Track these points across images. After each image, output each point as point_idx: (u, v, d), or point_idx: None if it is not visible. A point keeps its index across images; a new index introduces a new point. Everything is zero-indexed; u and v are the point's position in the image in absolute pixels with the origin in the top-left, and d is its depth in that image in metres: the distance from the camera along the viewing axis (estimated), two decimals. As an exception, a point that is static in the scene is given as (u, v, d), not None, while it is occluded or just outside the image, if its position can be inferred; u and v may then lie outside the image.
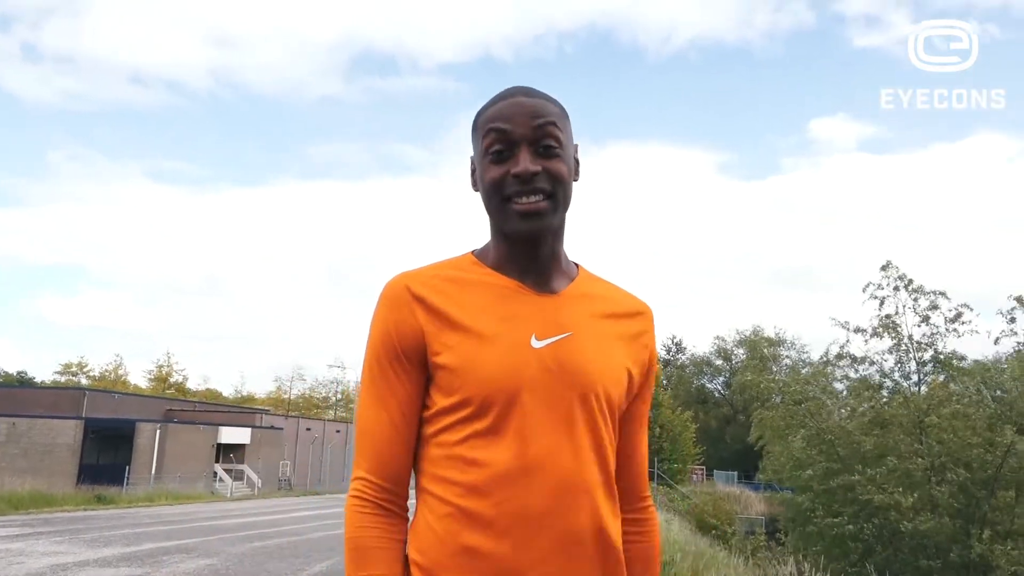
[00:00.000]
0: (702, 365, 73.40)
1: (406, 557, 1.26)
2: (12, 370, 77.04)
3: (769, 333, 66.97)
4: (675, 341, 77.81)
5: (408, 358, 1.27)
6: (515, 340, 1.25)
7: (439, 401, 1.26)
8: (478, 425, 1.22)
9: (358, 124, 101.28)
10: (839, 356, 20.77)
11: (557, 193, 1.26)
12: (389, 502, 1.27)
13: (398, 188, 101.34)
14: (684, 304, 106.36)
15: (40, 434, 37.67)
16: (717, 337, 72.80)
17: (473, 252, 1.37)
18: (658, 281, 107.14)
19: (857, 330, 20.25)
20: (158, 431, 37.60)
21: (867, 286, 19.86)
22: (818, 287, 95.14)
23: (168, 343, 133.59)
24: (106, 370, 72.66)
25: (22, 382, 68.43)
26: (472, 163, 1.36)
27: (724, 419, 68.75)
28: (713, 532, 26.04)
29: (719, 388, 73.05)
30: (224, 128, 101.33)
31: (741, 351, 68.56)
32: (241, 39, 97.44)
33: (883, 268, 19.73)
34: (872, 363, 20.38)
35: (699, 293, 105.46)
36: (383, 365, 1.28)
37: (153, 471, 35.66)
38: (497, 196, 1.26)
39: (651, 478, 40.54)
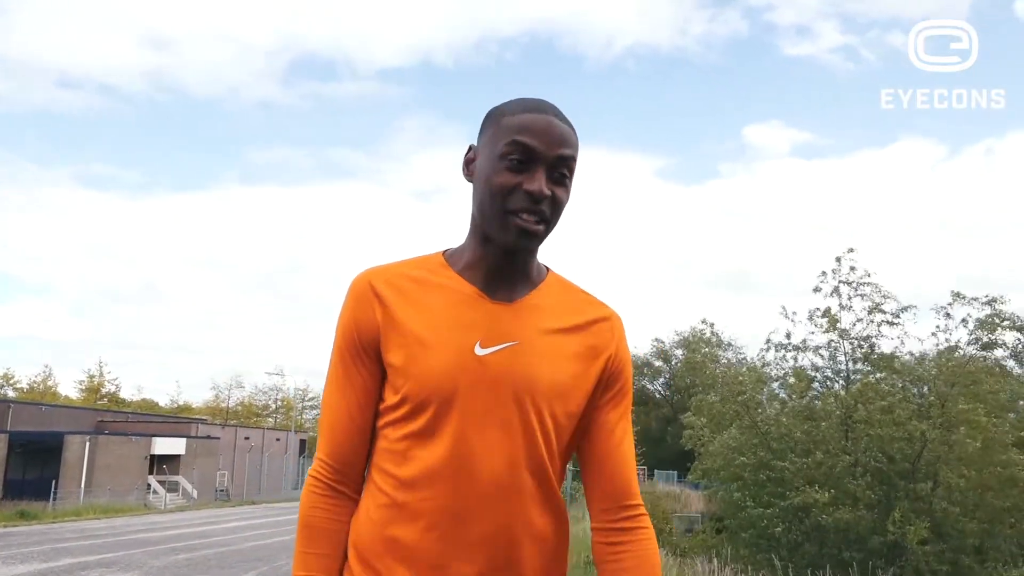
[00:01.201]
0: (642, 367, 74.33)
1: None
2: (-67, 383, 73.93)
3: (707, 334, 68.29)
4: (617, 343, 78.77)
5: (366, 352, 1.33)
6: (459, 346, 1.29)
7: (387, 397, 1.32)
8: (415, 424, 1.28)
9: (298, 129, 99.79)
10: (778, 346, 21.14)
11: (552, 221, 1.30)
12: (341, 484, 1.35)
13: (339, 193, 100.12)
14: (625, 308, 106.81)
15: (-39, 449, 36.21)
16: (656, 339, 73.75)
17: (444, 252, 1.40)
18: (598, 285, 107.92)
19: (796, 319, 20.61)
20: (88, 443, 36.45)
21: (821, 274, 20.12)
22: (755, 290, 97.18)
23: (102, 352, 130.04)
24: (34, 381, 70.15)
25: (-57, 395, 65.64)
26: (472, 151, 1.37)
27: (664, 420, 69.62)
28: (649, 531, 26.50)
29: (659, 389, 74.08)
30: (160, 132, 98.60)
31: (680, 352, 69.68)
32: (177, 41, 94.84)
33: (837, 259, 20.10)
34: (811, 351, 20.78)
35: (639, 297, 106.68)
36: (344, 356, 1.34)
37: (83, 485, 34.55)
38: (500, 204, 1.28)
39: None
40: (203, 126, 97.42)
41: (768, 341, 21.56)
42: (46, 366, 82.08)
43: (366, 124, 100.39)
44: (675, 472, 59.40)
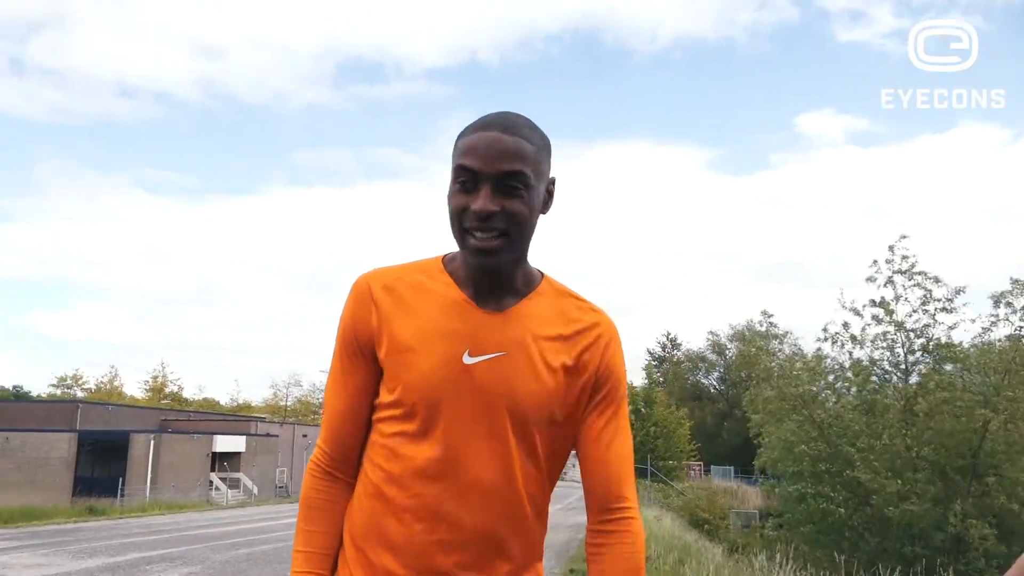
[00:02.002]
0: (696, 361, 73.47)
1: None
2: (8, 384, 76.94)
3: (762, 327, 67.17)
4: (669, 338, 77.93)
5: (363, 351, 1.40)
6: (448, 354, 1.34)
7: (382, 395, 1.40)
8: (406, 425, 1.36)
9: (346, 131, 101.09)
10: (835, 336, 20.70)
11: (511, 232, 1.32)
12: (338, 470, 1.45)
13: (387, 193, 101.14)
14: (677, 301, 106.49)
15: (34, 448, 37.56)
16: (711, 332, 72.82)
17: (444, 257, 1.44)
18: (650, 279, 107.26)
19: (852, 307, 20.18)
20: (152, 441, 37.54)
21: (873, 263, 19.73)
22: (809, 281, 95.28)
23: (163, 353, 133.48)
24: (101, 382, 72.51)
25: (17, 396, 68.24)
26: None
27: (720, 415, 68.80)
28: (705, 527, 26.16)
29: (714, 383, 73.16)
30: (213, 138, 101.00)
31: (734, 345, 68.67)
32: (228, 49, 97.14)
33: (890, 248, 19.65)
34: (868, 343, 20.31)
35: (691, 289, 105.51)
36: (343, 354, 1.42)
37: (148, 482, 35.59)
38: (457, 225, 1.33)
39: (644, 476, 40.63)
40: (253, 131, 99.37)
41: (825, 330, 21.11)
42: (112, 367, 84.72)
43: (413, 124, 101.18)
44: (732, 467, 58.70)
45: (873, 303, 19.81)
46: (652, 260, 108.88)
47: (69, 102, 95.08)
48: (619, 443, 1.42)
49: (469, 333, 1.35)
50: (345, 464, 1.45)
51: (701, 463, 54.70)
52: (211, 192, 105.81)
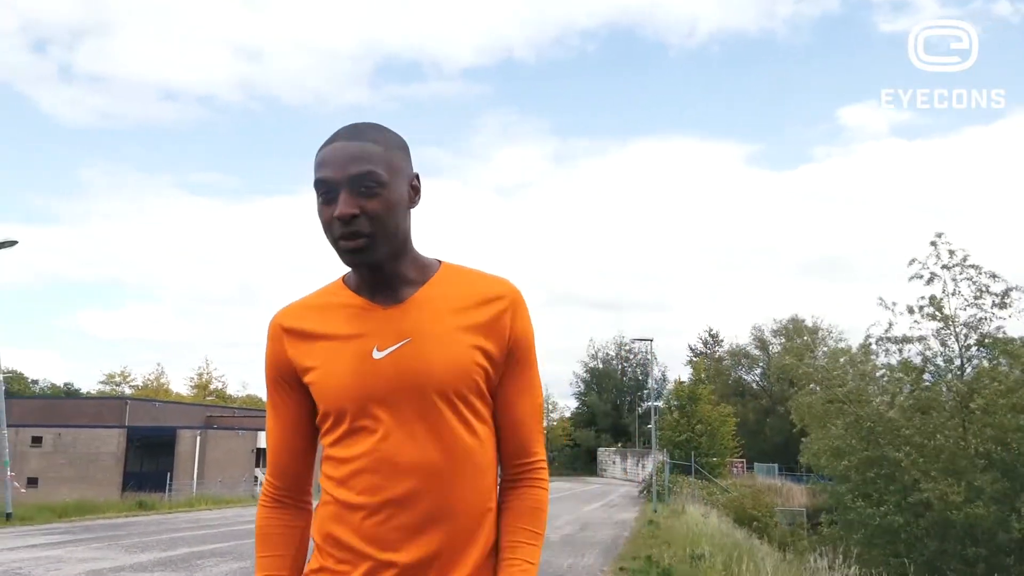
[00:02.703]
0: (739, 356, 72.55)
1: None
2: (59, 382, 78.87)
3: (807, 322, 66.01)
4: (711, 333, 77.10)
5: (287, 382, 1.50)
6: (358, 354, 1.42)
7: (319, 415, 1.48)
8: (339, 431, 1.43)
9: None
10: (881, 340, 20.21)
11: (376, 231, 1.38)
12: (286, 497, 1.54)
13: (425, 191, 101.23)
14: (718, 297, 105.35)
15: (85, 444, 38.42)
16: (754, 327, 71.91)
17: (343, 277, 1.53)
18: (692, 275, 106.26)
19: (898, 310, 19.68)
20: (198, 438, 38.16)
21: (912, 262, 19.26)
22: (852, 276, 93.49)
23: (207, 351, 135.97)
24: (148, 379, 73.96)
25: (68, 394, 69.92)
26: None
27: (763, 411, 67.86)
28: (753, 524, 25.72)
29: (757, 379, 72.19)
30: (254, 139, 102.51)
31: (778, 341, 67.67)
32: (268, 52, 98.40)
33: (932, 243, 19.14)
34: (917, 341, 19.77)
35: (733, 285, 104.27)
36: (272, 390, 1.52)
37: (195, 477, 36.18)
38: (329, 235, 1.41)
39: (688, 472, 40.21)
40: (293, 132, 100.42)
41: (868, 336, 20.62)
42: (158, 365, 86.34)
43: (449, 123, 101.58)
44: (775, 465, 57.85)
45: (923, 300, 19.24)
46: (692, 256, 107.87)
47: (114, 107, 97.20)
48: (529, 402, 1.52)
49: (373, 331, 1.43)
50: (292, 491, 1.54)
51: (743, 460, 54.00)
52: (253, 193, 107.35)
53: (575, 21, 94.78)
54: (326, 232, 1.42)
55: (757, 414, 66.37)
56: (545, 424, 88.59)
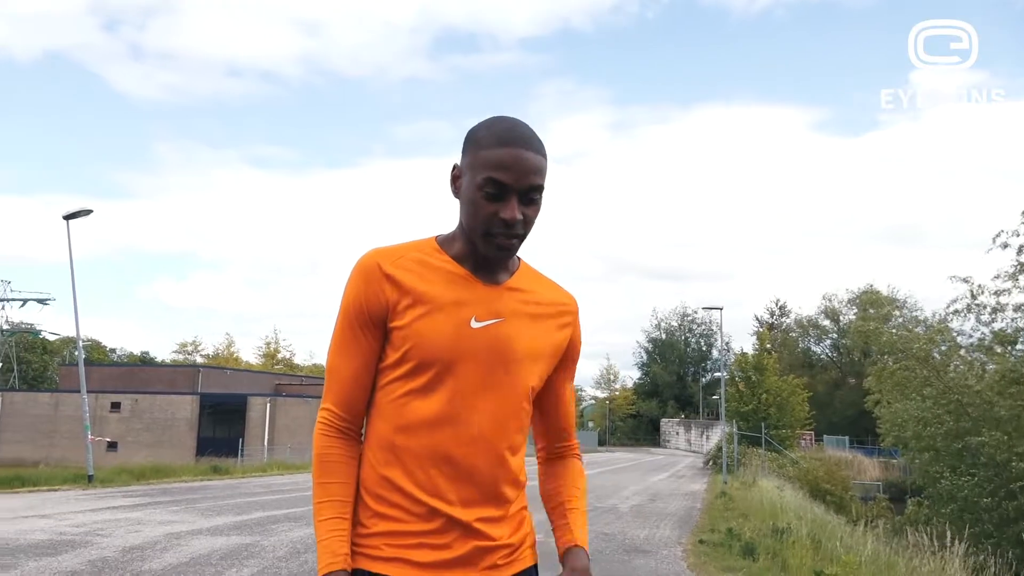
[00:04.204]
0: (808, 327, 70.81)
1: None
2: (136, 350, 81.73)
3: (882, 291, 63.82)
4: (778, 304, 75.34)
5: (373, 323, 1.55)
6: (458, 319, 1.53)
7: (391, 357, 1.54)
8: (416, 383, 1.52)
9: (442, 102, 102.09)
10: (968, 308, 19.18)
11: (526, 234, 1.54)
12: (348, 428, 1.59)
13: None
14: (784, 266, 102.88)
15: (160, 410, 39.64)
16: (825, 296, 69.96)
17: (437, 238, 1.62)
18: (757, 244, 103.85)
19: (983, 290, 18.64)
20: (268, 405, 38.95)
21: (998, 234, 18.22)
22: (925, 243, 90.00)
23: (275, 321, 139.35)
24: (219, 348, 76.00)
25: (144, 361, 72.38)
26: (457, 169, 1.57)
27: (832, 383, 66.25)
28: (827, 498, 25.00)
29: (827, 351, 70.42)
30: (315, 113, 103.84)
31: (851, 311, 65.68)
32: (329, 25, 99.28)
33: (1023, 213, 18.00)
34: (1007, 311, 18.69)
35: (799, 254, 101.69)
36: (352, 326, 1.56)
37: (265, 443, 36.99)
38: (483, 226, 1.50)
39: (755, 444, 39.38)
40: (353, 105, 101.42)
41: (953, 304, 19.57)
42: (227, 334, 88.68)
43: (506, 93, 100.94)
44: (846, 437, 56.46)
45: (1016, 267, 18.12)
46: (756, 225, 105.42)
47: (183, 83, 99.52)
48: (571, 400, 1.78)
49: (474, 301, 1.55)
50: (354, 423, 1.59)
51: (812, 432, 52.79)
52: (314, 166, 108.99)
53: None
54: (480, 222, 1.50)
55: (826, 386, 64.78)
56: (607, 394, 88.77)
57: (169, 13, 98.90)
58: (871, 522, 14.66)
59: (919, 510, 18.47)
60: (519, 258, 1.66)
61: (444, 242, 1.60)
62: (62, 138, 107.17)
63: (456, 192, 1.57)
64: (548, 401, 1.71)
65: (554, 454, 1.76)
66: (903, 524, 16.51)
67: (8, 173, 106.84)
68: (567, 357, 1.69)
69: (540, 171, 1.51)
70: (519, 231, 1.51)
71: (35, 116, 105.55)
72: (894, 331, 22.03)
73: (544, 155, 1.53)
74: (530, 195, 1.51)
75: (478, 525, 1.52)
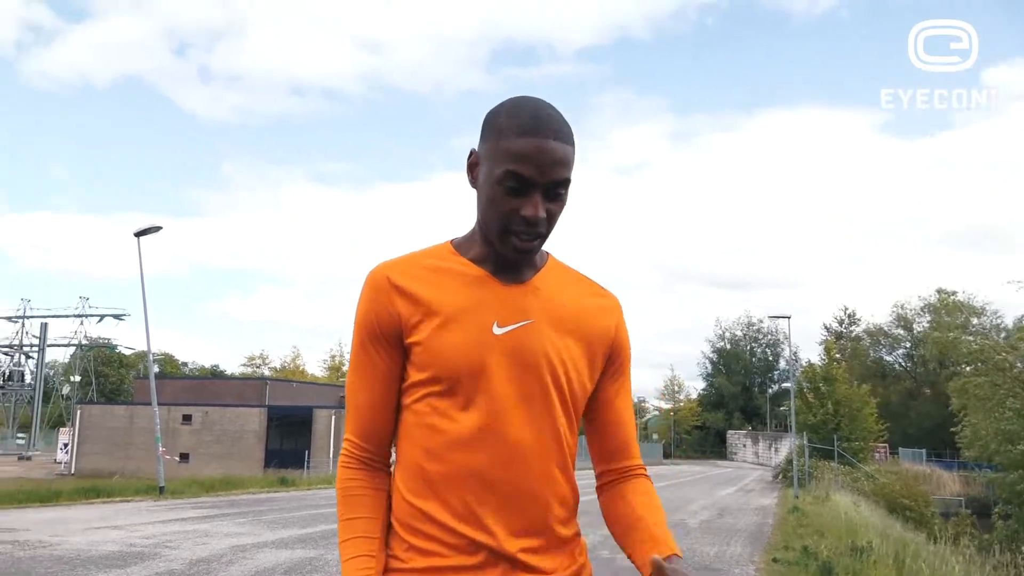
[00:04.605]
0: (878, 336, 68.57)
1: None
2: (207, 363, 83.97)
3: (957, 297, 61.36)
4: (847, 312, 73.16)
5: (387, 340, 1.41)
6: (479, 326, 1.38)
7: (413, 376, 1.40)
8: (444, 399, 1.37)
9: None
10: None
11: (549, 231, 1.38)
12: (371, 459, 1.45)
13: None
14: (853, 273, 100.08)
15: (230, 422, 40.46)
16: (896, 304, 67.62)
17: (452, 241, 1.48)
18: (824, 251, 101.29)
19: None
20: (333, 416, 39.39)
21: None
22: (1005, 247, 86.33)
23: (339, 334, 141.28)
24: (285, 361, 77.52)
25: (214, 374, 74.23)
26: (474, 156, 1.41)
27: (907, 393, 63.92)
28: (906, 514, 23.98)
29: (900, 360, 68.03)
30: (376, 129, 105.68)
31: (924, 319, 63.37)
32: (388, 43, 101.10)
33: None
34: None
35: (869, 261, 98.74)
36: (366, 345, 1.42)
37: (331, 455, 37.38)
38: (501, 223, 1.35)
39: (831, 457, 38.15)
40: (414, 119, 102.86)
41: None
42: (294, 347, 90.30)
43: (565, 104, 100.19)
44: (923, 450, 54.35)
45: None
46: (824, 231, 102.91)
47: (249, 103, 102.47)
48: (629, 409, 1.55)
49: (494, 305, 1.39)
50: (378, 452, 1.46)
51: (886, 445, 50.96)
52: (376, 180, 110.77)
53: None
54: (498, 219, 1.36)
55: (900, 396, 62.56)
56: (671, 405, 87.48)
57: (235, 36, 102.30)
58: (955, 540, 13.92)
59: (1006, 528, 17.54)
60: (547, 252, 1.50)
61: (460, 244, 1.47)
62: (135, 159, 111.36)
63: (473, 182, 1.43)
64: (601, 416, 1.51)
65: (617, 478, 1.53)
66: (991, 543, 15.64)
67: (86, 193, 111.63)
68: (613, 361, 1.50)
69: (567, 163, 1.35)
70: (541, 230, 1.37)
71: (111, 138, 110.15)
72: (973, 340, 20.98)
73: (572, 144, 1.37)
74: (555, 190, 1.36)
75: (525, 557, 1.36)
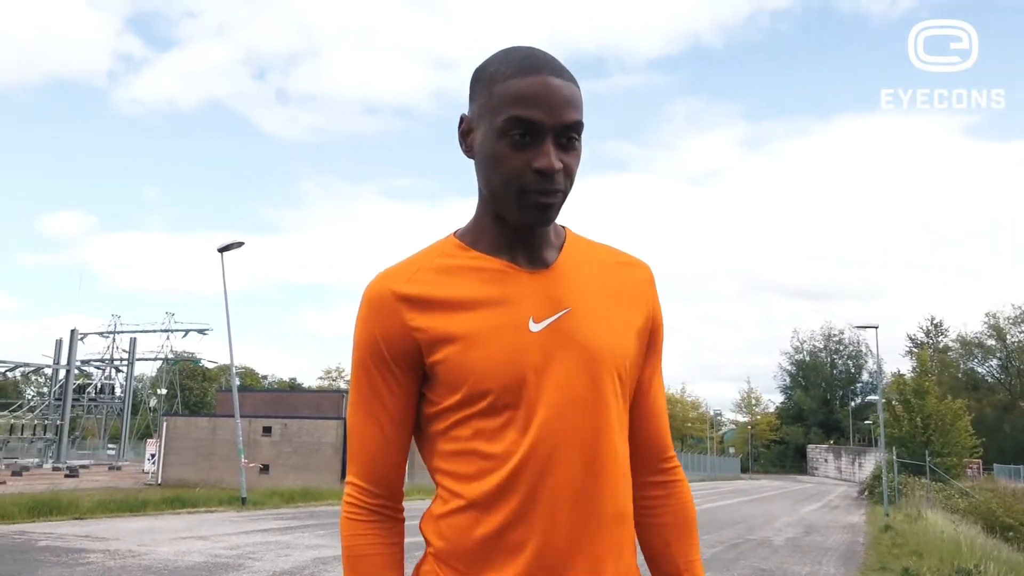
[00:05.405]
0: (970, 347, 65.57)
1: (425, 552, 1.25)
2: (285, 376, 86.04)
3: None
4: (934, 322, 70.23)
5: (398, 364, 1.20)
6: (513, 325, 1.18)
7: (446, 398, 1.19)
8: (488, 418, 1.17)
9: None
10: None
11: (567, 188, 1.19)
12: (382, 507, 1.24)
13: (615, 185, 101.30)
14: (941, 282, 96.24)
15: (307, 434, 41.18)
16: (988, 314, 64.54)
17: (455, 234, 1.28)
18: (908, 259, 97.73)
19: None
20: (407, 429, 39.69)
21: None
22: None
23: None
24: (360, 374, 78.67)
25: (292, 387, 75.95)
26: (465, 121, 1.24)
27: (1001, 406, 60.91)
28: (1008, 535, 22.64)
29: (993, 371, 64.89)
30: (447, 145, 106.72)
31: (1019, 329, 60.36)
32: (458, 60, 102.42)
33: None
34: None
35: (957, 269, 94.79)
36: (371, 373, 1.22)
37: (407, 466, 37.59)
38: (513, 185, 1.15)
39: (923, 473, 36.50)
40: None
41: None
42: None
43: (636, 114, 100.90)
44: (1020, 467, 51.61)
45: None
46: (908, 238, 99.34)
47: (324, 122, 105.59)
48: (662, 394, 1.36)
49: (525, 297, 1.19)
50: (392, 499, 1.25)
51: (980, 461, 48.56)
52: (448, 195, 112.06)
53: (768, 2, 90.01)
54: (506, 179, 1.15)
55: (994, 410, 59.63)
56: (748, 419, 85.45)
57: (311, 58, 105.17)
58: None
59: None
60: (563, 226, 1.30)
61: (466, 235, 1.26)
62: (218, 179, 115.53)
63: (469, 151, 1.24)
64: (637, 406, 1.31)
65: (652, 479, 1.33)
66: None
67: (172, 213, 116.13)
68: (651, 337, 1.32)
69: (576, 104, 1.17)
70: (560, 184, 1.16)
71: (194, 160, 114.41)
72: None
73: (578, 86, 1.19)
74: (568, 135, 1.16)
75: None
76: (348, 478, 1.25)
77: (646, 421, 1.33)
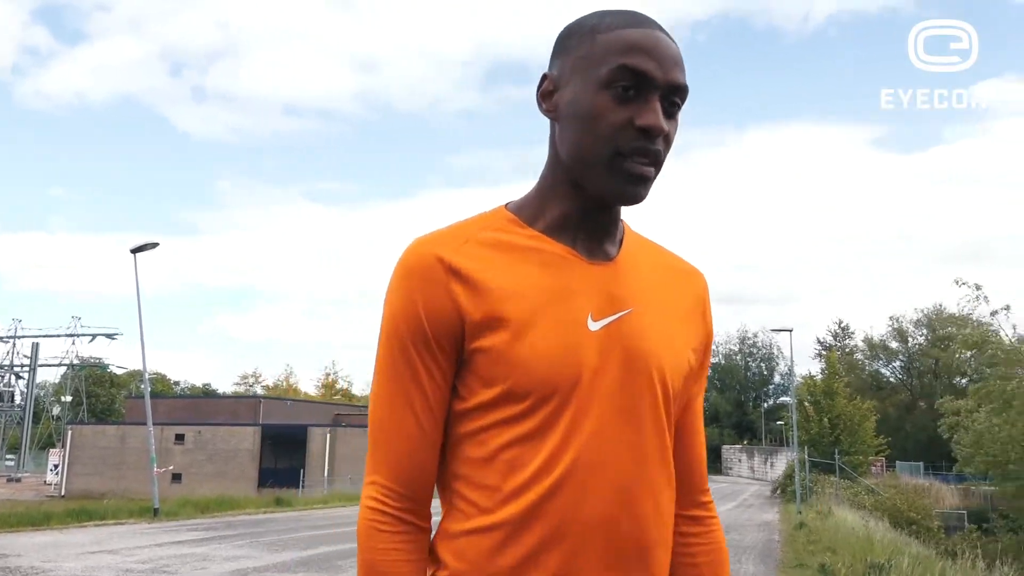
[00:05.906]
0: (876, 349, 68.51)
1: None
2: (199, 382, 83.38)
3: (952, 310, 61.51)
4: (841, 326, 73.13)
5: (440, 345, 1.05)
6: (569, 321, 1.05)
7: (480, 393, 1.05)
8: (527, 422, 1.03)
9: (497, 133, 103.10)
10: None
11: (663, 162, 1.06)
12: (411, 514, 1.07)
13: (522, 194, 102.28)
14: (847, 288, 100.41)
15: (223, 441, 39.99)
16: (892, 318, 67.57)
17: (507, 207, 1.13)
18: (817, 266, 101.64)
19: None
20: (328, 435, 38.97)
21: None
22: (997, 262, 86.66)
23: (333, 352, 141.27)
24: (278, 379, 76.93)
25: (207, 393, 73.62)
26: (549, 80, 1.10)
27: (903, 406, 63.79)
28: (911, 528, 23.72)
29: (896, 373, 67.95)
30: (371, 147, 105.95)
31: (920, 332, 63.41)
32: (383, 62, 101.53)
33: None
34: None
35: (864, 276, 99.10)
36: (408, 353, 1.06)
37: (326, 473, 36.94)
38: (608, 146, 1.02)
39: (832, 472, 37.96)
40: (409, 138, 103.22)
41: None
42: (287, 365, 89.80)
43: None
44: (920, 464, 54.18)
45: None
46: (818, 247, 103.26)
47: (244, 122, 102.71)
48: (701, 420, 1.24)
49: (586, 291, 1.07)
50: (419, 504, 1.07)
51: (883, 459, 50.83)
52: (372, 198, 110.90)
53: (687, 13, 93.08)
54: (603, 136, 1.02)
55: (897, 409, 62.44)
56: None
57: (229, 57, 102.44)
58: (966, 554, 13.66)
59: (1009, 539, 17.31)
60: (622, 220, 1.17)
61: (522, 210, 1.12)
62: (131, 178, 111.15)
63: (551, 111, 1.10)
64: (681, 429, 1.18)
65: (688, 513, 1.20)
66: (1000, 555, 15.42)
67: (80, 212, 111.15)
68: (705, 356, 1.21)
69: (684, 69, 1.06)
70: (660, 152, 1.04)
71: (106, 157, 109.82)
72: (1011, 338, 20.84)
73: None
74: (673, 100, 1.05)
75: None
76: (371, 477, 1.07)
77: (686, 449, 1.20)
